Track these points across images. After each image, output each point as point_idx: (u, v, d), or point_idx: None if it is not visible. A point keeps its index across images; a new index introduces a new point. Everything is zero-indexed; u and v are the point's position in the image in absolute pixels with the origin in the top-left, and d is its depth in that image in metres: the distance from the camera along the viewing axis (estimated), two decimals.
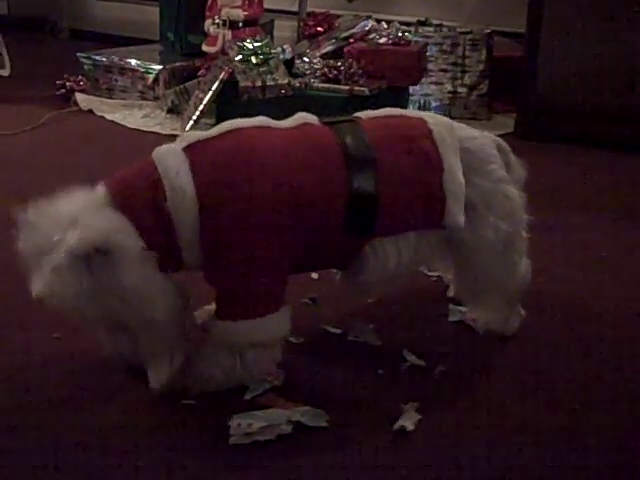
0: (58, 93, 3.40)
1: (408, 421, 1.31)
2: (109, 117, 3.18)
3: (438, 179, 1.42)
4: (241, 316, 1.34)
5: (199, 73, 3.21)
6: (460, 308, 1.68)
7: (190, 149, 1.34)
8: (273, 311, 1.36)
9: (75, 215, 1.26)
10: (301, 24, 3.46)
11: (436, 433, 1.30)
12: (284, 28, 3.83)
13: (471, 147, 1.48)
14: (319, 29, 3.27)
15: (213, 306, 1.41)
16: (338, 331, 1.60)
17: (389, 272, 1.45)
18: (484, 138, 1.52)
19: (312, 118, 1.46)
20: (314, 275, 1.77)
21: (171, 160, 1.33)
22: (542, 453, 1.26)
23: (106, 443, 1.25)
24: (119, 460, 1.21)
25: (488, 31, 3.23)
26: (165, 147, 1.37)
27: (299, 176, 1.35)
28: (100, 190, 1.32)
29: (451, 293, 1.75)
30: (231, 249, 1.31)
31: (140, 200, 1.30)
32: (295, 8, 3.65)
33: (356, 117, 1.50)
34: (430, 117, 1.50)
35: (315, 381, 1.44)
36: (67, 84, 3.41)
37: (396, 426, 1.30)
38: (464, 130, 1.51)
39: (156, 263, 1.28)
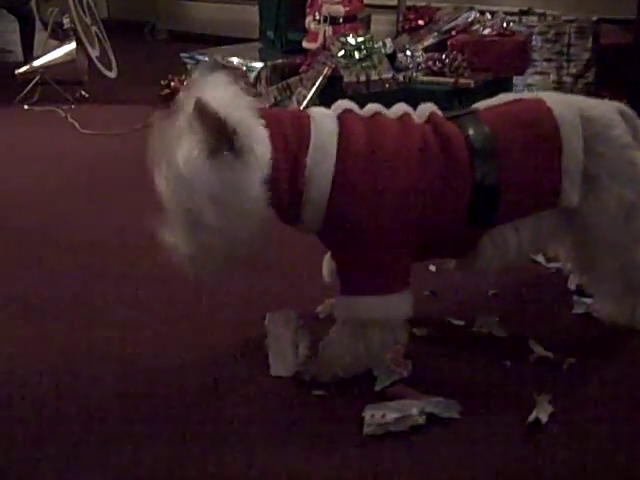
0: (163, 93, 3.47)
1: (542, 413, 1.30)
2: None
3: (557, 161, 1.41)
4: (365, 292, 1.36)
5: (301, 70, 3.23)
6: (585, 300, 1.65)
7: (343, 117, 1.38)
8: (397, 291, 1.37)
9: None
10: (401, 17, 3.44)
11: (570, 426, 1.29)
12: (381, 22, 3.82)
13: (593, 115, 1.45)
14: (420, 22, 3.25)
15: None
16: (461, 323, 1.59)
17: (509, 258, 1.45)
18: (605, 105, 1.51)
19: (409, 109, 1.46)
20: (432, 267, 1.77)
21: (325, 122, 1.36)
22: None
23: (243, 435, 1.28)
24: (257, 452, 1.24)
25: (595, 19, 3.15)
26: (322, 109, 1.40)
27: (432, 166, 1.36)
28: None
29: (572, 285, 1.72)
30: (361, 224, 1.33)
31: (284, 141, 1.32)
32: (394, 2, 3.64)
33: (475, 109, 1.49)
34: (548, 96, 1.49)
35: (442, 372, 1.44)
36: (171, 84, 3.47)
37: (530, 418, 1.29)
38: (584, 101, 1.50)
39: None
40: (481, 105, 1.51)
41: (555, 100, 1.47)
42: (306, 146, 1.32)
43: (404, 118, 1.41)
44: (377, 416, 1.27)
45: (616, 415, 1.31)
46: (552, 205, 1.43)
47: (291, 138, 1.32)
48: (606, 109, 1.48)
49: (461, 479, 1.18)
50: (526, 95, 1.56)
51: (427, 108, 1.45)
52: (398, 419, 1.27)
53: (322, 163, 1.32)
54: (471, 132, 1.41)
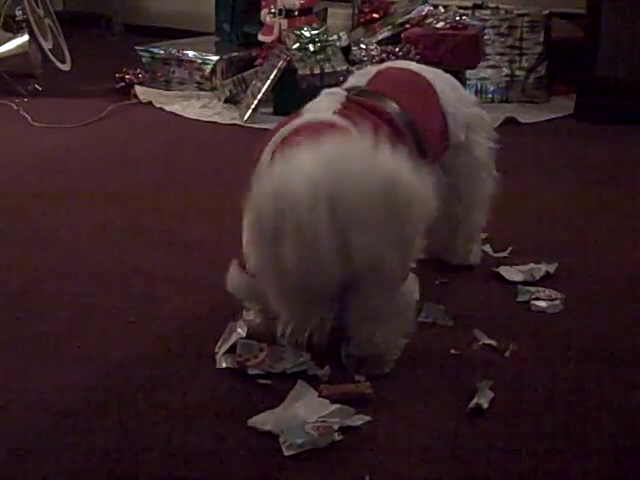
0: (117, 86, 3.45)
1: (483, 399, 1.31)
2: (168, 108, 3.22)
3: (439, 106, 1.61)
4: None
5: (256, 62, 3.23)
6: (529, 288, 1.67)
7: None
8: None
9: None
10: (356, 11, 3.46)
11: (510, 410, 1.31)
12: (338, 16, 3.83)
13: (442, 75, 1.69)
14: (375, 15, 3.27)
15: None
16: None
17: None
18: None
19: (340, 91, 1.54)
20: None
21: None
22: (622, 429, 1.26)
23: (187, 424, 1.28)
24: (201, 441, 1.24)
25: (546, 13, 3.19)
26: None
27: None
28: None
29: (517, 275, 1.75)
30: None
31: None
32: None
33: (359, 86, 1.59)
34: (400, 63, 1.80)
35: None
36: (126, 77, 3.46)
37: (471, 404, 1.30)
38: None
39: None
40: (358, 82, 1.61)
41: (409, 63, 1.75)
42: None
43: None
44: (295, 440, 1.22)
45: (555, 400, 1.34)
46: (446, 146, 1.63)
47: None
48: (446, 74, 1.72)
49: (402, 465, 1.19)
50: (382, 66, 1.73)
51: (337, 92, 1.52)
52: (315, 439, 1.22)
53: None
54: (387, 106, 1.50)
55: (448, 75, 1.73)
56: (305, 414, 1.25)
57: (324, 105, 1.47)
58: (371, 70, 1.69)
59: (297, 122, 1.38)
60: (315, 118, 1.40)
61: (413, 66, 1.72)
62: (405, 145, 1.45)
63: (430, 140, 1.55)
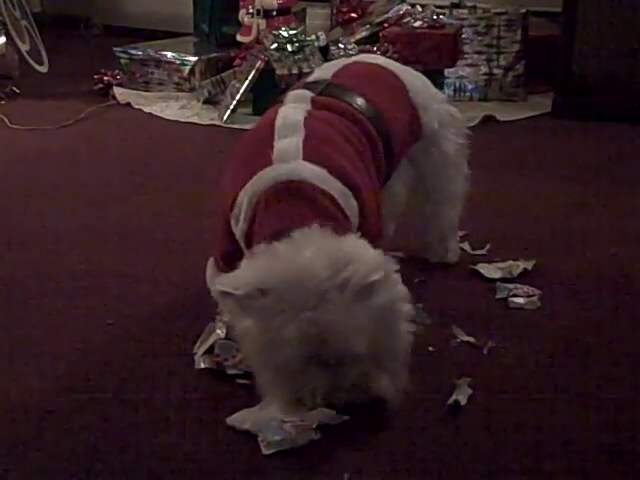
0: (96, 88, 3.44)
1: (461, 395, 1.32)
2: (147, 110, 3.21)
3: (408, 99, 1.63)
4: None
5: (234, 63, 3.23)
6: (507, 285, 1.68)
7: None
8: None
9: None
10: (334, 11, 3.46)
11: (488, 407, 1.31)
12: (317, 16, 3.84)
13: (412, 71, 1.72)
14: (353, 15, 3.27)
15: None
16: None
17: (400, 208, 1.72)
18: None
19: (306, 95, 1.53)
20: None
21: None
22: (600, 424, 1.27)
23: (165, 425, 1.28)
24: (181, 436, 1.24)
25: (523, 11, 3.21)
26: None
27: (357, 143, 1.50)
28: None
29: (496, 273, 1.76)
30: None
31: None
32: None
33: (325, 79, 1.58)
34: (363, 57, 1.82)
35: None
36: (104, 79, 3.44)
37: (450, 401, 1.31)
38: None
39: None
40: (323, 75, 1.61)
41: (376, 57, 1.79)
42: None
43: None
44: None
45: (533, 396, 1.34)
46: (418, 137, 1.64)
47: None
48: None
49: (380, 463, 1.19)
50: (346, 60, 1.73)
51: (302, 94, 1.51)
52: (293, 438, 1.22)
53: None
54: (354, 101, 1.51)
55: (417, 72, 1.74)
56: (282, 414, 1.25)
57: (291, 131, 1.39)
58: (337, 63, 1.69)
59: (269, 175, 1.33)
60: (284, 174, 1.32)
61: (381, 60, 1.73)
62: (374, 145, 1.49)
63: (398, 133, 1.56)
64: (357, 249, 1.24)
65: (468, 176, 1.75)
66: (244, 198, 1.34)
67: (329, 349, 1.19)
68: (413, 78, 1.68)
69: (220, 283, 1.24)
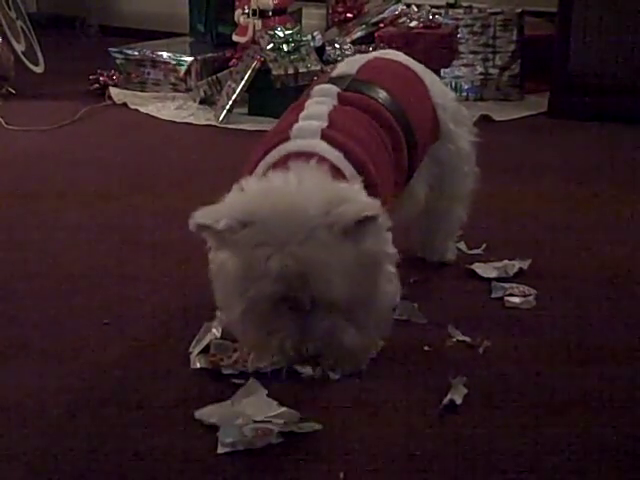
0: (92, 88, 3.44)
1: (457, 395, 1.32)
2: (143, 110, 3.21)
3: (429, 96, 1.62)
4: None
5: (230, 63, 3.23)
6: (503, 285, 1.69)
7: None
8: None
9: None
10: (330, 11, 3.46)
11: (484, 406, 1.31)
12: (312, 16, 3.84)
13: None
14: (348, 15, 3.27)
15: None
16: None
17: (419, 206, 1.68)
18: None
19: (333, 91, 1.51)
20: None
21: None
22: (595, 424, 1.27)
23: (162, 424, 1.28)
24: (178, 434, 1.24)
25: (519, 11, 3.21)
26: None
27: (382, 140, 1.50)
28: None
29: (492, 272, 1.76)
30: None
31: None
32: None
33: (349, 74, 1.56)
34: (384, 53, 1.76)
35: None
36: (100, 79, 3.45)
37: (445, 400, 1.31)
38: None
39: None
40: (349, 70, 1.58)
41: (397, 53, 1.73)
42: None
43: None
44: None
45: (529, 396, 1.34)
46: (437, 136, 1.64)
47: None
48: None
49: (377, 462, 1.19)
50: (368, 56, 1.71)
51: (329, 89, 1.50)
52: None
53: None
54: (379, 97, 1.50)
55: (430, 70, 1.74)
56: (251, 411, 1.24)
57: (314, 119, 1.41)
58: (361, 58, 1.67)
59: (284, 148, 1.34)
60: (296, 146, 1.33)
61: (401, 57, 1.70)
62: (398, 143, 1.48)
63: (420, 130, 1.55)
64: (353, 192, 1.22)
65: (478, 173, 1.75)
66: (259, 171, 1.34)
67: (307, 289, 1.15)
68: (431, 77, 1.69)
69: (199, 215, 1.18)
